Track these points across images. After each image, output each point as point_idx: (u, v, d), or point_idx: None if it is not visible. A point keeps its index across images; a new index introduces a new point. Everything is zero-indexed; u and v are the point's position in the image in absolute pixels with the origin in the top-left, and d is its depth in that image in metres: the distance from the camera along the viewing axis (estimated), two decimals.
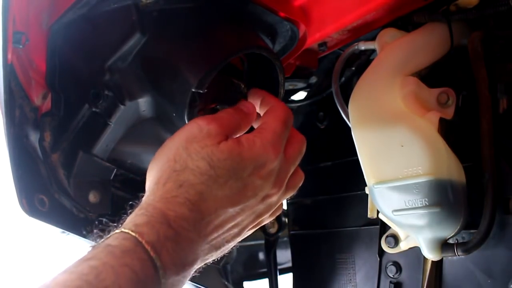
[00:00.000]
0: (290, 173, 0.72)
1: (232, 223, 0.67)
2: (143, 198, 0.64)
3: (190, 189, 0.63)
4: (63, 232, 0.79)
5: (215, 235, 0.66)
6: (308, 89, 1.28)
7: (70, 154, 0.77)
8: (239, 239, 0.71)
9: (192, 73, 0.71)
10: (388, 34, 0.93)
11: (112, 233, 0.58)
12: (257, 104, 0.77)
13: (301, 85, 1.22)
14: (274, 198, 0.71)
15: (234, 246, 0.73)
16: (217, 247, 0.68)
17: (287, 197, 0.75)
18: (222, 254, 0.71)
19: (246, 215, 0.68)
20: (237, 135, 0.70)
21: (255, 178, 0.66)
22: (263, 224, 0.75)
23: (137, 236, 0.57)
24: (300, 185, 0.76)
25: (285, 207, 1.41)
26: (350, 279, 1.12)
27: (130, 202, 0.65)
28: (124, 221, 0.60)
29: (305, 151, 0.75)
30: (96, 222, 0.78)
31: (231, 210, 0.66)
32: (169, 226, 0.59)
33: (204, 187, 0.63)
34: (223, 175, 0.64)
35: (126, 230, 0.57)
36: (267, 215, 0.73)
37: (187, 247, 0.61)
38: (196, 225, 0.62)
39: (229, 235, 0.69)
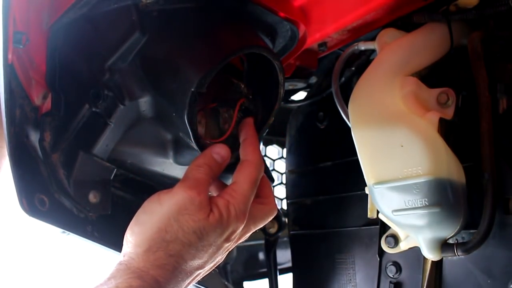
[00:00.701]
0: (251, 230, 0.78)
1: (201, 270, 0.75)
2: (128, 261, 0.67)
3: (179, 259, 0.69)
4: (63, 232, 0.79)
5: (189, 278, 0.73)
6: (308, 89, 1.28)
7: (70, 154, 0.77)
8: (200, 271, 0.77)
9: (192, 73, 0.71)
10: (388, 34, 0.93)
11: None
12: (241, 137, 0.81)
13: (301, 85, 1.22)
14: (231, 247, 0.77)
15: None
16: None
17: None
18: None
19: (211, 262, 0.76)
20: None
21: (226, 243, 0.73)
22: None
23: None
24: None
25: (285, 207, 1.41)
26: (350, 279, 1.12)
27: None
28: (110, 281, 0.64)
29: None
30: None
31: (205, 268, 0.74)
32: None
33: (190, 256, 0.70)
34: (207, 245, 0.71)
35: None
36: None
37: None
38: (179, 284, 0.70)
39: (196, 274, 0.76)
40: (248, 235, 0.79)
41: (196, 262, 0.71)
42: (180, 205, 0.69)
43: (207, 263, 0.73)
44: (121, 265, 0.67)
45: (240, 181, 0.75)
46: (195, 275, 0.73)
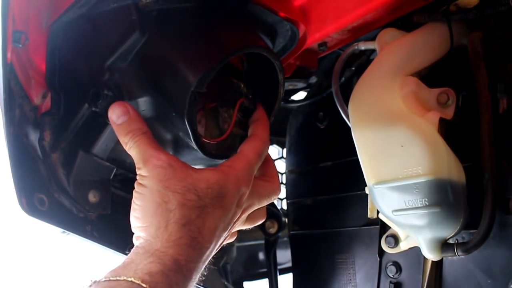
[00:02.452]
0: (255, 206, 0.77)
1: (217, 247, 0.73)
2: (144, 244, 0.65)
3: (192, 226, 0.66)
4: (63, 232, 0.79)
5: (211, 255, 0.71)
6: (308, 89, 1.28)
7: (70, 154, 0.77)
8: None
9: (191, 72, 0.71)
10: (388, 34, 0.93)
11: (121, 278, 0.59)
12: (252, 118, 0.82)
13: (301, 85, 1.22)
14: (238, 223, 0.76)
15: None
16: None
17: (244, 228, 0.81)
18: None
19: (224, 238, 0.74)
20: None
21: (235, 205, 0.71)
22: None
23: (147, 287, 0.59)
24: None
25: (285, 207, 1.41)
26: (350, 279, 1.12)
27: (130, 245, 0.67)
28: (130, 266, 0.61)
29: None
30: None
31: (218, 238, 0.71)
32: (181, 273, 0.63)
33: (199, 221, 0.67)
34: (209, 204, 0.68)
35: (137, 281, 0.58)
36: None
37: (194, 277, 0.66)
38: (199, 259, 0.67)
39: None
40: (252, 209, 0.77)
41: (210, 228, 0.68)
42: (157, 176, 0.68)
43: (222, 230, 0.70)
44: (139, 249, 0.65)
45: (245, 150, 0.75)
46: (212, 247, 0.70)
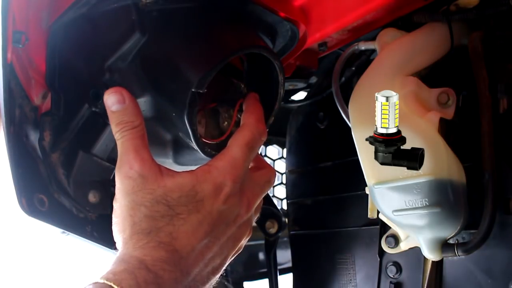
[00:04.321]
0: (259, 195, 0.74)
1: (211, 254, 0.68)
2: (118, 253, 0.65)
3: (159, 233, 0.63)
4: (63, 232, 0.79)
5: (197, 269, 0.66)
6: (308, 89, 1.28)
7: (70, 154, 0.77)
8: (223, 268, 0.72)
9: (192, 73, 0.71)
10: (388, 34, 0.93)
11: (87, 284, 0.58)
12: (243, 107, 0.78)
13: (301, 85, 1.22)
14: (244, 218, 0.72)
15: None
16: (202, 282, 0.67)
17: (255, 219, 0.77)
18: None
19: (222, 242, 0.69)
20: None
21: (217, 205, 0.67)
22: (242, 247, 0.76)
23: (112, 284, 0.57)
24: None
25: (285, 207, 1.41)
26: (350, 279, 1.12)
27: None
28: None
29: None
30: None
31: (206, 241, 0.66)
32: (148, 270, 0.59)
33: (170, 227, 0.64)
34: (183, 211, 0.65)
35: (102, 280, 0.58)
36: (245, 237, 0.75)
37: (171, 287, 0.61)
38: (176, 264, 0.62)
39: (212, 268, 0.69)
40: (258, 199, 0.74)
41: (187, 232, 0.64)
42: (125, 188, 0.66)
43: (207, 233, 0.66)
44: (114, 258, 0.64)
45: (230, 144, 0.72)
46: (198, 249, 0.65)
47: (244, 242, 0.75)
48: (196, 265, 0.65)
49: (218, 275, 0.71)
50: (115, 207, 0.68)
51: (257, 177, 0.75)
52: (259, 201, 0.75)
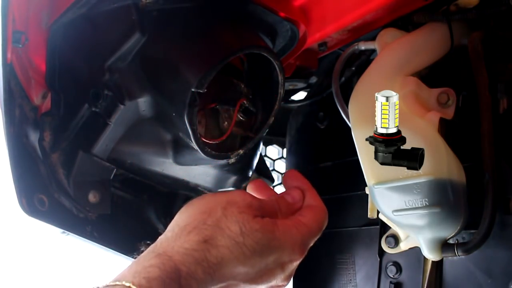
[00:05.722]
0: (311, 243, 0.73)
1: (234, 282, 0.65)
2: (162, 237, 0.63)
3: (213, 249, 0.61)
4: (63, 232, 0.79)
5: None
6: (308, 89, 1.28)
7: (70, 154, 0.77)
8: None
9: (191, 73, 0.71)
10: (388, 34, 0.93)
11: (120, 283, 0.56)
12: (292, 187, 0.78)
13: (301, 85, 1.22)
14: (278, 283, 0.71)
15: None
16: None
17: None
18: None
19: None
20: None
21: (277, 266, 0.67)
22: None
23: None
24: None
25: None
26: (350, 279, 1.11)
27: (148, 242, 0.65)
28: (131, 267, 0.59)
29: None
30: None
31: (242, 286, 0.65)
32: (179, 285, 0.57)
33: (227, 252, 0.61)
34: (251, 246, 0.63)
35: (128, 284, 0.55)
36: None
37: None
38: (204, 283, 0.60)
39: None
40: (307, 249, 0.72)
41: (233, 266, 0.62)
42: (231, 198, 0.67)
43: (250, 281, 0.64)
44: (149, 247, 0.62)
45: (309, 216, 0.72)
46: (226, 283, 0.63)
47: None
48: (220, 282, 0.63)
49: None
50: (206, 196, 0.69)
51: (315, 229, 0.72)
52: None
